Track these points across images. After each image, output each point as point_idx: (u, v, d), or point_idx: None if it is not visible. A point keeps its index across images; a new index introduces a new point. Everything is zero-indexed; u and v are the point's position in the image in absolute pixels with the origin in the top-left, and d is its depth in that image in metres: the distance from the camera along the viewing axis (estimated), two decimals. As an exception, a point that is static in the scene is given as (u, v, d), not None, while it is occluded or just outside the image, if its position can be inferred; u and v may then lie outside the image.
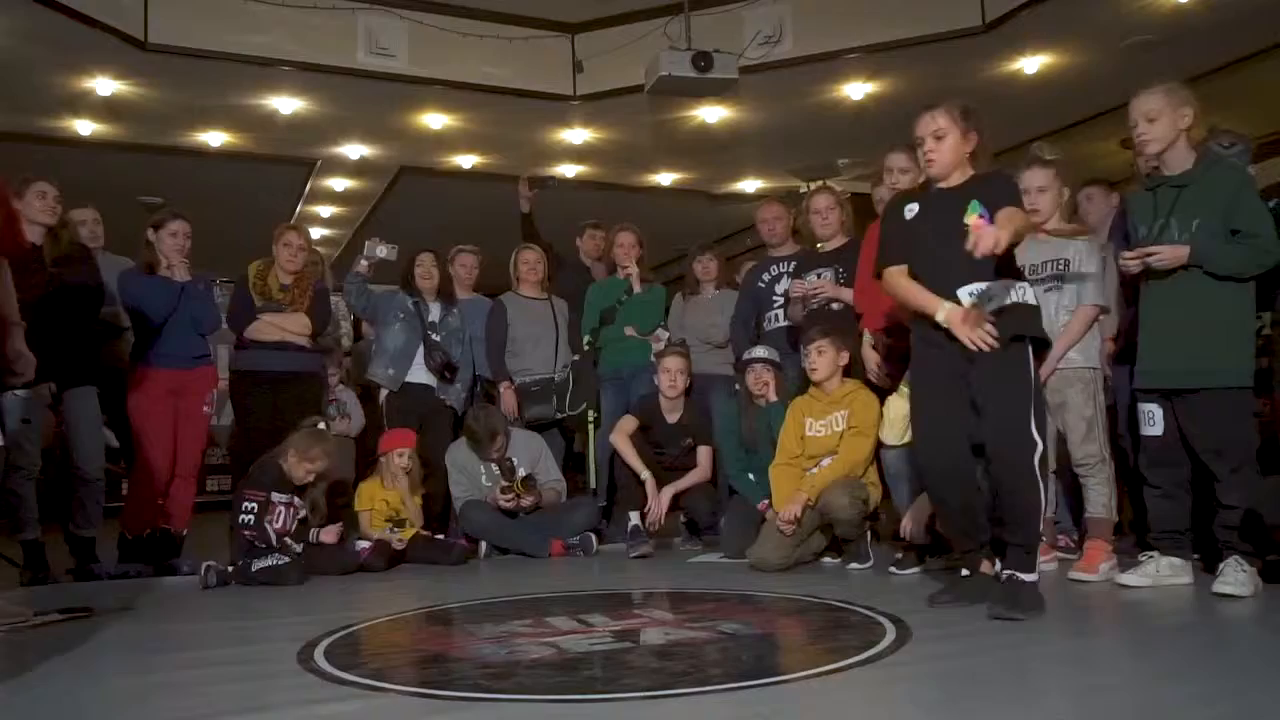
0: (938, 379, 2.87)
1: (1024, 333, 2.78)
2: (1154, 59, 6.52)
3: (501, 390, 5.09)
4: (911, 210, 2.98)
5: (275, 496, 4.05)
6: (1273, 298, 3.33)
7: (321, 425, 4.31)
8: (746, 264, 5.91)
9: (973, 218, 2.73)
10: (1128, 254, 3.06)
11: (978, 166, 2.92)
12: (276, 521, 4.05)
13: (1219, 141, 3.45)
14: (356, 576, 4.09)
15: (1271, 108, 7.06)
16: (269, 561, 3.92)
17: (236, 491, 4.18)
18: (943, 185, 2.93)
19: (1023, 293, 2.83)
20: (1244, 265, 2.92)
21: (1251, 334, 3.05)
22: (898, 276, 2.95)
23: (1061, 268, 3.47)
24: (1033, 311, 2.85)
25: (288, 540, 4.05)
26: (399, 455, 4.53)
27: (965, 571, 2.98)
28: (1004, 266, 2.81)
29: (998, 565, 2.86)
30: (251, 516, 3.99)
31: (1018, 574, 2.73)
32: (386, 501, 4.52)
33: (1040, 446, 2.73)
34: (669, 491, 4.64)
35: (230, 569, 3.94)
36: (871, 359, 3.96)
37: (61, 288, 4.08)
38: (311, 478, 4.14)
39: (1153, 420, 3.07)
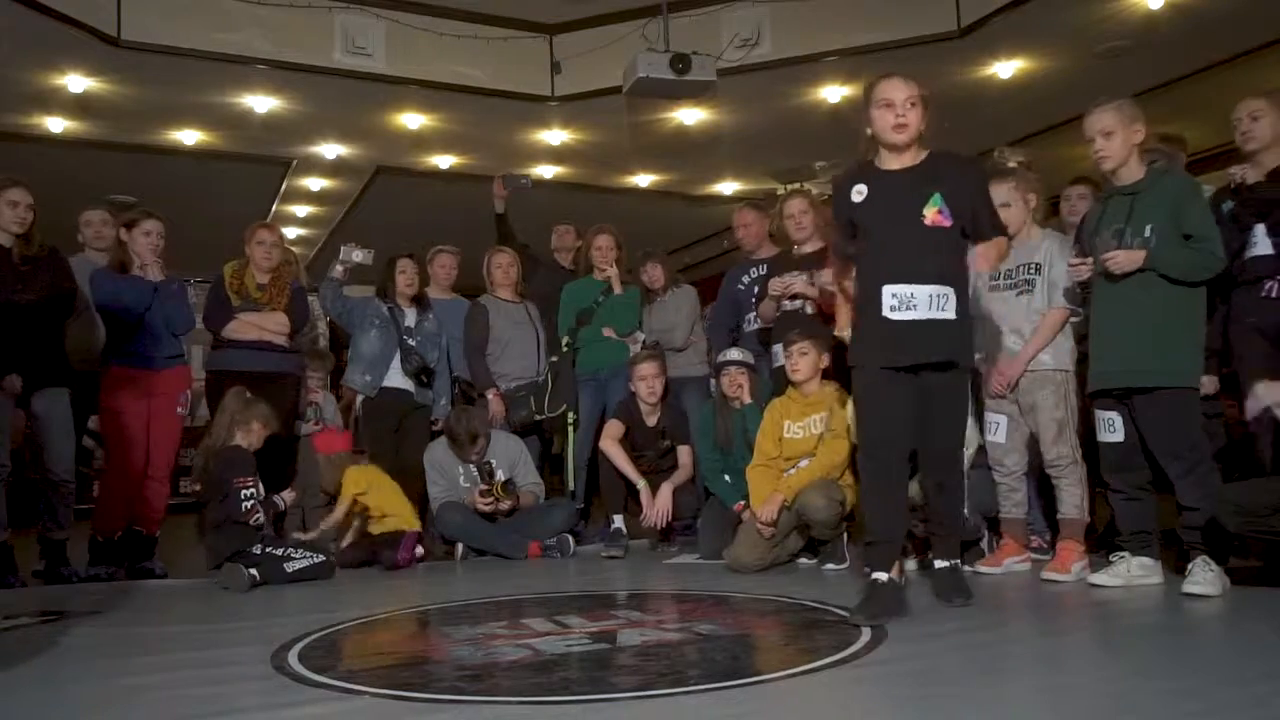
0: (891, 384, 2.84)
1: (945, 358, 2.77)
2: (1127, 65, 6.62)
3: (490, 397, 5.03)
4: (860, 192, 2.86)
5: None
6: (1223, 303, 3.40)
7: (249, 395, 4.22)
8: None
9: (931, 211, 2.71)
10: (1083, 261, 3.12)
11: (926, 145, 2.84)
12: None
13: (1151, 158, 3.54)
14: (333, 578, 4.06)
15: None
16: (304, 563, 3.92)
17: (211, 489, 4.09)
18: (893, 166, 2.84)
19: (944, 301, 2.74)
20: (1195, 269, 3.02)
21: (1201, 338, 3.12)
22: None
23: (1032, 271, 3.50)
24: (952, 327, 2.77)
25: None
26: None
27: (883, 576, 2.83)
28: (947, 268, 2.76)
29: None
30: (253, 502, 3.98)
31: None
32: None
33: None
34: (668, 488, 4.63)
35: (253, 572, 3.79)
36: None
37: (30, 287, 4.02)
38: (260, 443, 4.15)
39: (1113, 427, 3.13)
